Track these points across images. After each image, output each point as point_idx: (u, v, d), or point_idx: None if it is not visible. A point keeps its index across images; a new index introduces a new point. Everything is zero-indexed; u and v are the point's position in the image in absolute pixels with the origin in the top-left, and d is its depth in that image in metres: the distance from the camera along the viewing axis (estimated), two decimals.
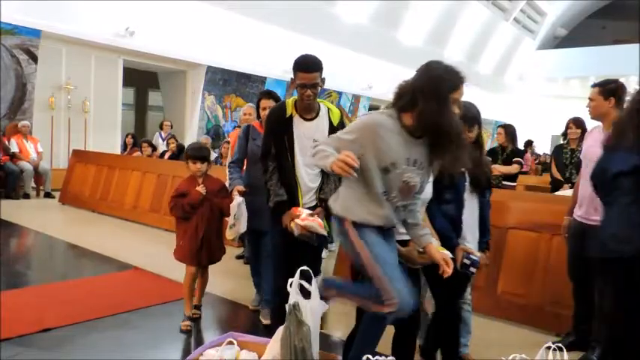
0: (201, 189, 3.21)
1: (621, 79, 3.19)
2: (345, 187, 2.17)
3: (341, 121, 2.87)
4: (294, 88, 2.77)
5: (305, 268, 2.14)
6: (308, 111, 2.82)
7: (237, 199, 3.35)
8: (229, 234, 3.42)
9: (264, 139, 2.93)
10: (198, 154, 3.26)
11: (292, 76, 2.75)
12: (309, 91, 2.71)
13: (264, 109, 3.41)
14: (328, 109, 2.87)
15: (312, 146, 2.61)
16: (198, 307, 3.44)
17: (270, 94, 3.57)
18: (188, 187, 3.26)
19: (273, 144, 2.82)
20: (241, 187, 3.39)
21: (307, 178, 2.85)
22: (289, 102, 2.83)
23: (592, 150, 2.84)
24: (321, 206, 2.80)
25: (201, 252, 3.25)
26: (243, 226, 3.42)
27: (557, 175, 5.41)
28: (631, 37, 18.59)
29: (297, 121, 2.81)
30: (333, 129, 2.79)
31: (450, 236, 2.45)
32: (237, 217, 3.37)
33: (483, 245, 2.68)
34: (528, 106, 22.20)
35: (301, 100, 2.77)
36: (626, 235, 2.03)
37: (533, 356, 1.96)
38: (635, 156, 2.02)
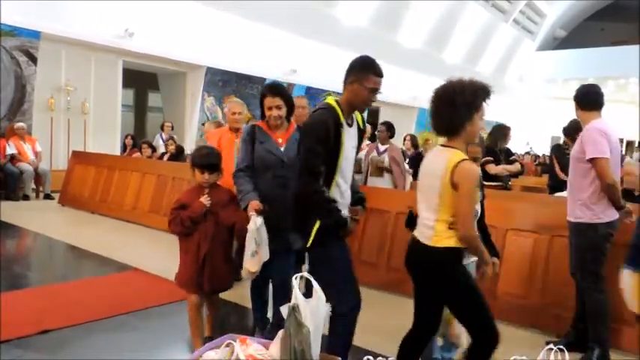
0: (204, 200, 2.73)
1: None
2: None
3: (363, 121, 2.65)
4: (353, 91, 2.40)
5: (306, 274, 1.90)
6: (351, 116, 2.51)
7: (256, 220, 2.70)
8: (251, 264, 2.74)
9: (312, 149, 2.34)
10: (207, 161, 2.77)
11: (351, 78, 2.40)
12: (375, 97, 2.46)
13: (270, 108, 2.93)
14: None
15: (352, 156, 2.52)
16: (210, 338, 2.80)
17: (276, 91, 2.98)
18: (191, 199, 2.78)
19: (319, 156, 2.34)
20: (259, 204, 2.76)
21: (339, 194, 2.45)
22: (335, 104, 2.41)
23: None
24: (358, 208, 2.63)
25: (203, 275, 2.74)
26: (265, 254, 2.75)
27: (562, 176, 5.33)
28: (630, 39, 18.61)
29: (345, 128, 2.42)
30: (361, 132, 2.60)
31: None
32: (259, 242, 2.71)
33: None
34: (528, 107, 22.24)
35: (363, 103, 2.45)
36: None
37: (533, 357, 1.96)
38: None
